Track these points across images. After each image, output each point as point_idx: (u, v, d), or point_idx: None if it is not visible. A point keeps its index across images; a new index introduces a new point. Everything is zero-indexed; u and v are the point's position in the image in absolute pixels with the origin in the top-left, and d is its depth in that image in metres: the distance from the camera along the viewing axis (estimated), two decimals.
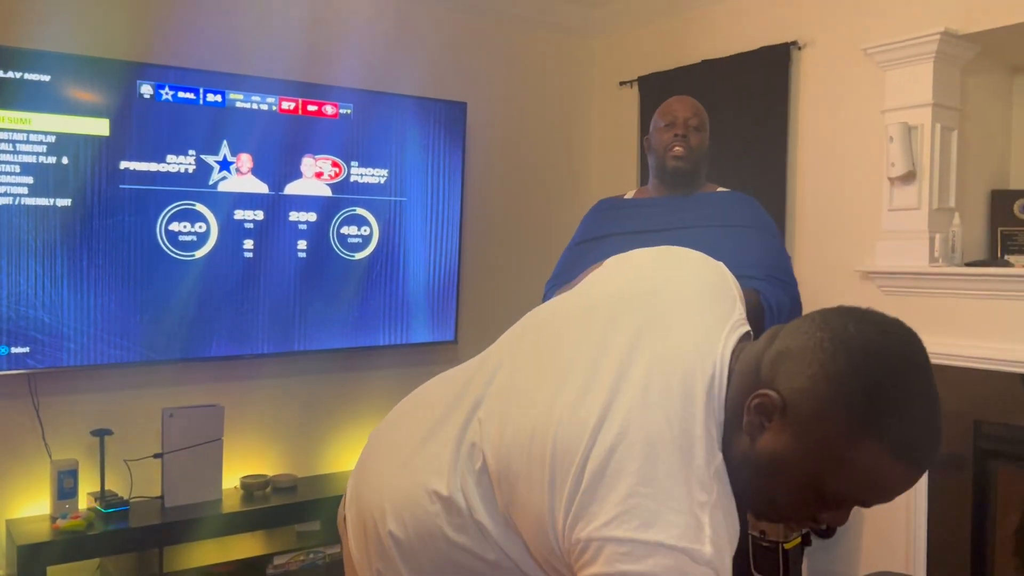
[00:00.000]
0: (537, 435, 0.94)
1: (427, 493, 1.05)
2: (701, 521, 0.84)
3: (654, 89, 3.86)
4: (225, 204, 3.11)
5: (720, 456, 0.91)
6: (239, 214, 3.15)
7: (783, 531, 3.06)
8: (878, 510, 3.04)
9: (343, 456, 3.56)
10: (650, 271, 1.14)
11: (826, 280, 3.23)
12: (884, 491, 0.88)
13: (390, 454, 1.18)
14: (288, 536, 3.23)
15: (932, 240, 2.82)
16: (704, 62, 3.60)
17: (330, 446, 3.54)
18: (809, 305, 3.43)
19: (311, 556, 3.10)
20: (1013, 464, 2.72)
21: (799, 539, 3.13)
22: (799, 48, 3.31)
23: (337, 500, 3.19)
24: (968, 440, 2.78)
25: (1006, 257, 2.92)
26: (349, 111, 3.33)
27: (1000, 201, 3.00)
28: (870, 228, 3.04)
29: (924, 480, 2.87)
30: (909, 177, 2.84)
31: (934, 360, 2.61)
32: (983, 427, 2.76)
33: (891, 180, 2.90)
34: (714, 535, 0.85)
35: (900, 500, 2.93)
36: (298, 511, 3.14)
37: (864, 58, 3.00)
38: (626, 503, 0.84)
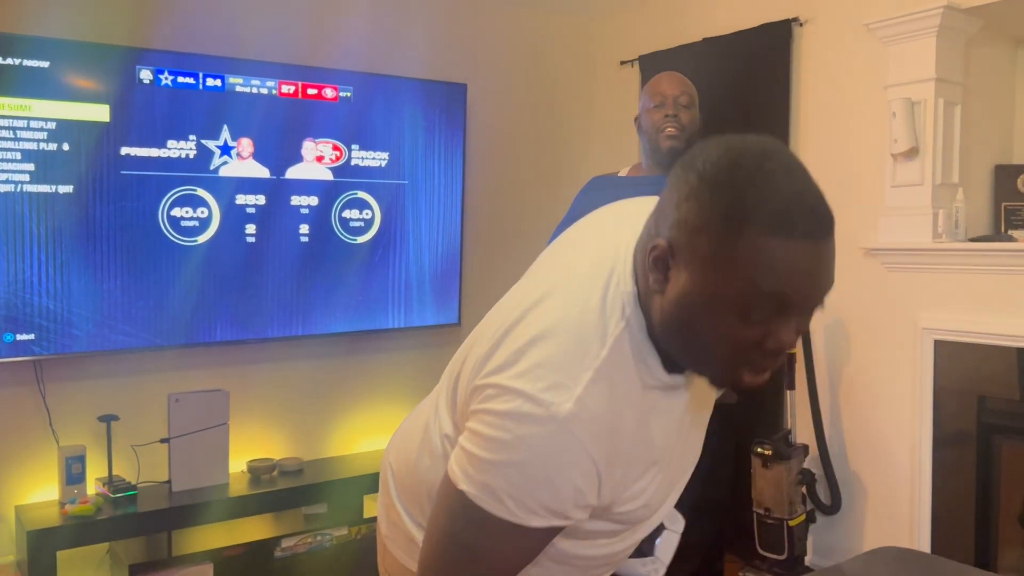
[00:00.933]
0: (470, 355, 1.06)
1: (423, 426, 1.17)
2: (575, 384, 0.90)
3: (655, 68, 3.83)
4: (226, 189, 3.11)
5: (620, 326, 0.94)
6: (241, 199, 3.14)
7: (787, 508, 3.07)
8: (881, 485, 3.05)
9: (349, 439, 3.57)
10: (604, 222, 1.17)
11: None
12: (787, 274, 0.83)
13: (414, 418, 1.29)
14: (295, 519, 3.25)
15: (935, 216, 2.81)
16: (705, 40, 3.58)
17: (335, 429, 3.55)
18: None
19: (319, 538, 3.12)
20: (1017, 439, 2.73)
21: (803, 516, 3.15)
22: (800, 24, 3.28)
23: (344, 483, 3.23)
24: (972, 415, 2.78)
25: (1010, 232, 2.91)
26: (349, 94, 3.32)
27: (1004, 176, 2.99)
28: (873, 204, 3.03)
29: (928, 455, 2.88)
30: (912, 153, 2.83)
31: (939, 336, 2.61)
32: (987, 402, 2.76)
33: (894, 156, 2.88)
34: (585, 397, 0.89)
35: (904, 475, 2.94)
36: (305, 494, 3.16)
37: (866, 33, 2.98)
38: (512, 357, 0.94)
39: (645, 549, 1.28)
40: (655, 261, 0.91)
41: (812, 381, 3.24)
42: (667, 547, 1.30)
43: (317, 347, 3.47)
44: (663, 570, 1.29)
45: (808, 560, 3.24)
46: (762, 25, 3.36)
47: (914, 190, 2.86)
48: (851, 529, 3.18)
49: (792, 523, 3.09)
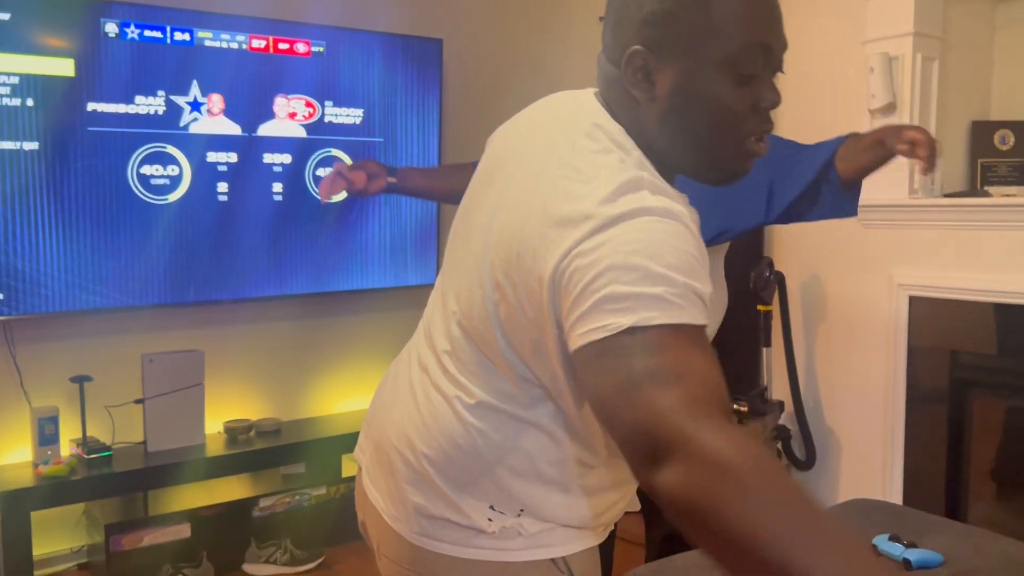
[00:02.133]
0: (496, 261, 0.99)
1: (443, 398, 1.07)
2: (655, 197, 0.88)
3: None
4: (197, 146, 3.05)
5: (637, 153, 0.95)
6: (212, 156, 3.09)
7: None
8: (855, 440, 3.09)
9: (325, 400, 3.56)
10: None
11: None
12: (763, 19, 0.93)
13: (395, 388, 1.18)
14: (273, 479, 3.25)
15: (911, 172, 2.81)
16: None
17: (312, 390, 3.54)
18: (797, 237, 3.41)
19: (297, 498, 3.12)
20: (989, 393, 2.76)
21: None
22: None
23: (321, 443, 3.22)
24: (945, 370, 2.81)
25: (986, 188, 2.92)
26: (322, 49, 3.26)
27: (980, 132, 2.99)
28: None
29: (901, 409, 2.91)
30: (889, 109, 2.82)
31: (914, 292, 2.62)
32: (960, 357, 2.78)
33: (871, 112, 2.87)
34: (663, 196, 0.89)
35: (878, 430, 2.98)
36: (282, 454, 3.16)
37: None
38: (585, 211, 0.88)
39: None
40: (636, 69, 0.94)
41: (788, 338, 3.25)
42: None
43: (293, 307, 3.44)
44: None
45: None
46: None
47: None
48: (826, 483, 3.23)
49: None
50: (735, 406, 3.15)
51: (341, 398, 3.59)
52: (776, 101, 0.96)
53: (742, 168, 0.99)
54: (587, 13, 4.09)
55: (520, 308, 0.96)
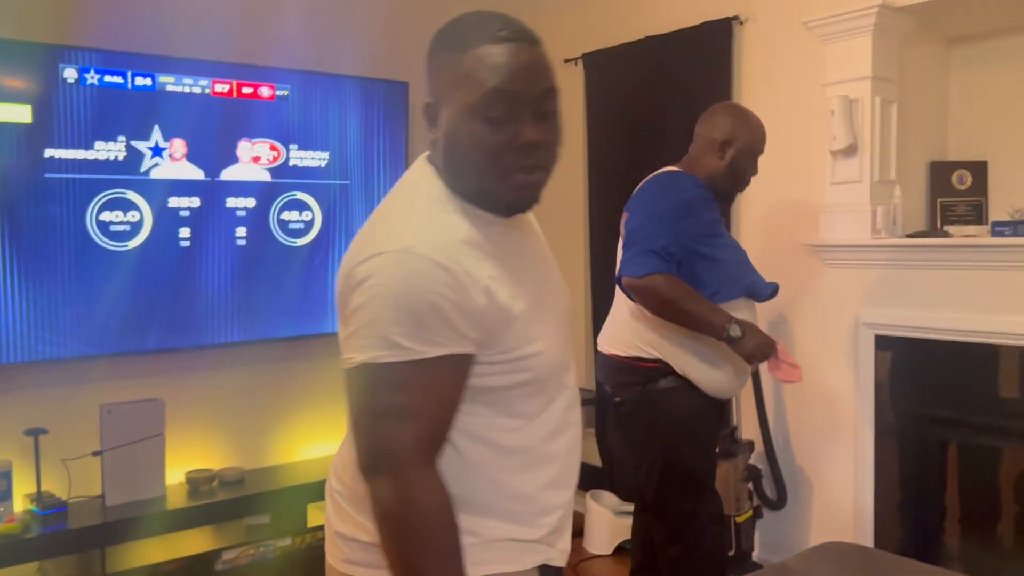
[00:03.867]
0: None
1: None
2: (408, 228, 1.07)
3: (598, 66, 3.83)
4: (159, 192, 3.01)
5: (432, 183, 1.14)
6: (174, 201, 3.04)
7: (735, 505, 3.09)
8: (826, 479, 3.08)
9: (291, 447, 3.49)
10: None
11: (772, 254, 3.25)
12: (503, 69, 1.06)
13: None
14: (237, 530, 3.17)
15: (874, 212, 2.84)
16: (648, 38, 3.57)
17: (278, 437, 3.47)
18: (764, 277, 3.44)
19: (261, 549, 3.04)
20: (957, 432, 2.78)
21: (751, 512, 3.17)
22: (741, 23, 3.30)
23: (286, 491, 3.15)
24: (912, 408, 2.83)
25: (945, 227, 2.97)
26: (286, 92, 3.24)
27: (939, 172, 3.04)
28: (814, 202, 3.06)
29: (870, 448, 2.91)
30: (851, 150, 2.86)
31: (879, 331, 2.63)
32: (927, 395, 2.80)
33: (833, 154, 2.91)
34: (420, 230, 1.07)
35: (848, 468, 2.98)
36: (246, 504, 3.08)
37: (804, 32, 3.00)
38: (354, 257, 1.09)
39: None
40: (429, 117, 1.14)
41: (756, 377, 3.26)
42: None
43: (257, 353, 3.37)
44: None
45: (756, 556, 3.26)
46: (703, 23, 3.37)
47: (853, 187, 2.89)
48: (797, 523, 3.21)
49: (739, 519, 3.11)
50: None
51: (306, 444, 3.52)
52: (533, 140, 1.08)
53: (520, 198, 1.12)
54: (552, 57, 4.12)
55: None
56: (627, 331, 2.35)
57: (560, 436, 1.19)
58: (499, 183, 1.09)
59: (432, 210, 1.10)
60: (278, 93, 3.22)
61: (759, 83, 3.27)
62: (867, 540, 2.93)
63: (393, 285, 1.02)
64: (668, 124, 3.46)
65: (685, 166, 2.44)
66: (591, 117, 3.92)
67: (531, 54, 1.08)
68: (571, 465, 1.22)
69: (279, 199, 3.26)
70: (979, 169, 2.99)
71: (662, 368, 2.30)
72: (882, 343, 2.87)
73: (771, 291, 2.41)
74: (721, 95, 3.32)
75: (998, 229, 2.62)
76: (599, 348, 2.49)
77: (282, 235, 3.28)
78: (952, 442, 2.81)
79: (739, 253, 2.43)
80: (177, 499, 2.98)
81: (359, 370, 1.03)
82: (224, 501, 3.01)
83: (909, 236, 2.85)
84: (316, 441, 3.53)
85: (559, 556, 1.22)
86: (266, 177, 3.22)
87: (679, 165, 2.46)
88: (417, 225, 1.07)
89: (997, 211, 2.93)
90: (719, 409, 2.39)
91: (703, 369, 2.29)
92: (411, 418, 1.02)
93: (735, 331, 2.20)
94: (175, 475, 3.09)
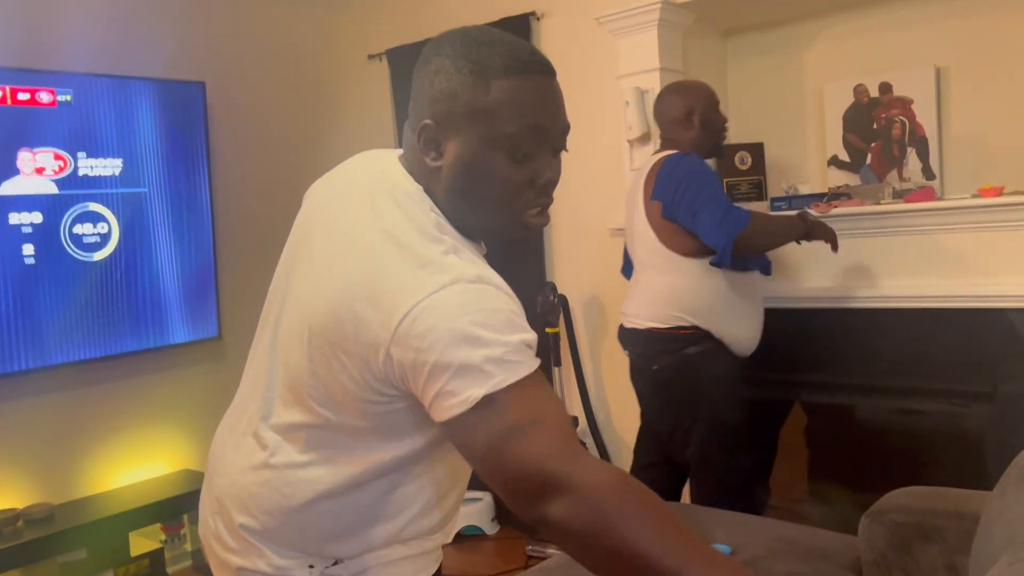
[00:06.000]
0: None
1: (252, 468, 1.12)
2: (446, 261, 0.97)
3: (403, 61, 3.84)
4: None
5: (432, 216, 1.03)
6: None
7: None
8: None
9: (106, 475, 3.27)
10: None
11: (581, 238, 3.42)
12: (535, 104, 1.01)
13: (221, 451, 1.20)
14: (50, 570, 2.93)
15: None
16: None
17: (89, 466, 3.23)
18: (576, 262, 3.58)
19: None
20: (759, 390, 3.04)
21: None
22: (538, 18, 3.43)
23: (103, 523, 2.95)
24: None
25: None
26: (68, 98, 3.01)
27: (723, 154, 3.31)
28: (616, 188, 3.24)
29: None
30: (645, 138, 3.06)
31: None
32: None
33: (630, 142, 3.10)
34: (457, 262, 0.98)
35: None
36: (58, 541, 2.85)
37: (597, 27, 3.16)
38: (400, 286, 0.97)
39: None
40: (426, 140, 1.03)
41: (576, 357, 3.42)
42: None
43: (57, 378, 3.12)
44: None
45: None
46: (502, 19, 3.47)
47: None
48: None
49: None
50: None
51: (122, 471, 3.31)
52: (552, 179, 1.04)
53: (518, 235, 1.08)
54: (355, 53, 4.09)
55: (343, 369, 1.01)
56: (663, 305, 2.49)
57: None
58: (510, 219, 1.04)
59: (455, 243, 1.02)
60: (59, 98, 2.98)
61: (559, 76, 3.40)
62: (685, 498, 3.16)
63: (483, 310, 0.94)
64: None
65: (671, 148, 2.57)
66: (399, 113, 3.93)
67: (554, 87, 1.04)
68: (466, 474, 1.22)
69: (70, 212, 3.03)
70: (757, 150, 3.29)
71: (696, 334, 2.46)
72: None
73: (766, 265, 2.61)
74: None
75: (776, 204, 2.91)
76: (627, 325, 2.59)
77: (76, 250, 3.05)
78: (753, 400, 3.08)
79: None
80: None
81: (479, 405, 0.91)
82: (32, 541, 2.78)
83: None
84: (133, 467, 3.33)
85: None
86: (53, 189, 2.99)
87: (663, 150, 2.59)
88: (453, 256, 0.98)
89: (774, 187, 3.24)
90: (743, 369, 2.57)
91: (735, 328, 2.49)
92: (551, 416, 0.93)
93: (811, 216, 2.49)
94: None
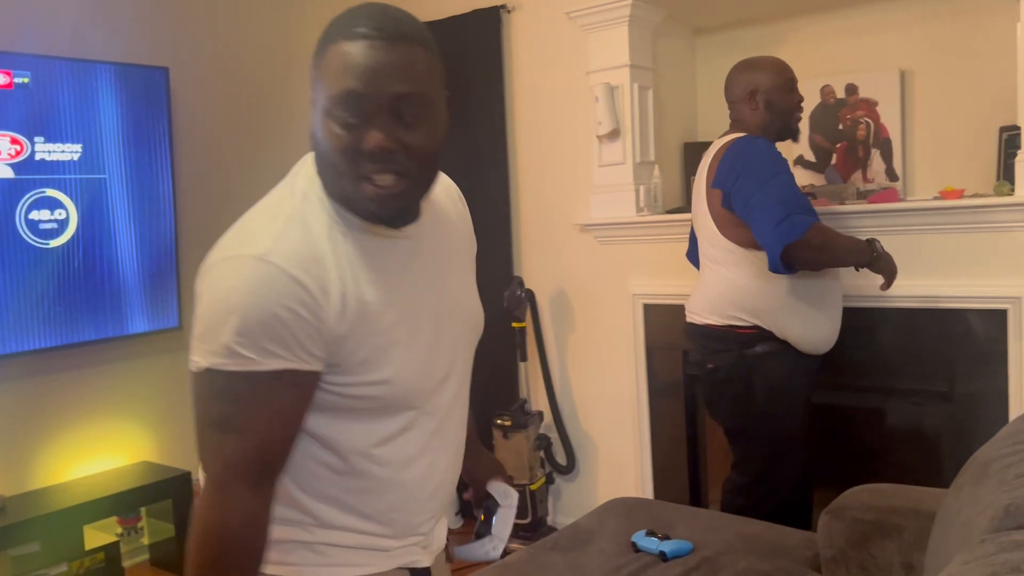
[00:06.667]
0: None
1: None
2: (268, 232, 1.01)
3: None
4: None
5: (307, 183, 1.07)
6: None
7: (528, 474, 3.23)
8: (610, 441, 3.30)
9: (60, 467, 3.20)
10: None
11: (549, 233, 3.41)
12: (351, 69, 0.98)
13: None
14: (2, 563, 2.86)
15: (637, 192, 3.07)
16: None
17: (44, 458, 3.16)
18: (544, 256, 3.59)
19: None
20: None
21: (543, 479, 3.33)
22: (508, 11, 3.41)
23: (58, 515, 2.89)
24: (679, 368, 3.09)
25: None
26: (26, 80, 2.93)
27: (691, 152, 3.33)
28: (585, 183, 3.25)
29: (646, 408, 3.16)
30: (615, 134, 3.06)
31: (647, 300, 2.85)
32: (690, 355, 3.07)
33: (599, 138, 3.10)
34: (279, 235, 1.01)
35: (628, 429, 3.21)
36: (10, 534, 2.79)
37: (568, 21, 3.16)
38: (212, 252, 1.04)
39: (481, 531, 1.34)
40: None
41: (542, 351, 3.42)
42: (503, 524, 1.35)
43: (11, 368, 3.04)
44: (502, 547, 1.34)
45: (550, 520, 3.44)
46: (473, 11, 3.45)
47: (618, 169, 3.10)
48: (587, 486, 3.43)
49: (533, 487, 3.26)
50: (499, 421, 3.26)
51: (77, 463, 3.24)
52: (374, 144, 0.98)
53: (376, 207, 1.03)
54: (315, 38, 4.03)
55: None
56: (721, 302, 2.34)
57: (413, 464, 1.13)
58: (354, 189, 1.01)
59: (304, 212, 1.04)
60: (16, 80, 2.90)
61: (529, 70, 3.40)
62: (648, 493, 3.18)
63: (241, 292, 0.97)
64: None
65: (737, 131, 2.41)
66: None
67: (390, 53, 0.98)
68: (424, 492, 1.16)
69: (26, 197, 2.96)
70: None
71: (758, 334, 2.29)
72: (650, 311, 3.12)
73: None
74: (494, 81, 3.43)
75: None
76: (688, 319, 2.48)
77: (32, 236, 2.98)
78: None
79: (815, 213, 2.35)
80: None
81: (198, 376, 1.00)
82: None
83: (669, 212, 3.10)
84: (89, 458, 3.26)
85: (424, 558, 1.20)
86: (8, 173, 2.91)
87: (730, 133, 2.43)
88: (280, 229, 1.01)
89: None
90: (812, 371, 2.37)
91: (802, 327, 2.28)
92: (237, 432, 0.98)
93: (879, 247, 2.26)
94: None
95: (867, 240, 2.28)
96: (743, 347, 2.31)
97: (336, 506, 1.10)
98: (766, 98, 2.37)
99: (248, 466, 0.99)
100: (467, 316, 1.21)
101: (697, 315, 2.43)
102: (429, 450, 1.14)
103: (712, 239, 2.36)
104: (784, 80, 2.39)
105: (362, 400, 1.06)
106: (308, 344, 0.99)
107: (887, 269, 2.27)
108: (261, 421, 0.99)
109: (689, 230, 2.65)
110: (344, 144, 0.99)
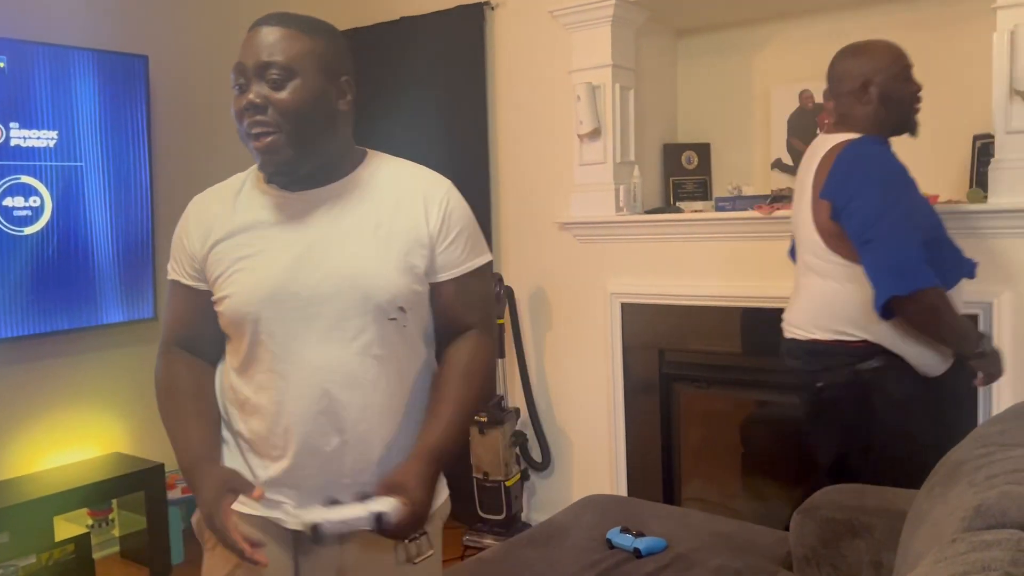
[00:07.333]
0: None
1: None
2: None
3: (356, 44, 3.77)
4: None
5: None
6: None
7: (504, 470, 3.25)
8: (585, 438, 3.32)
9: (30, 457, 3.16)
10: None
11: (528, 231, 3.42)
12: (242, 48, 1.29)
13: None
14: None
15: (617, 191, 3.09)
16: (403, 19, 3.59)
17: (14, 448, 3.12)
18: (523, 254, 3.59)
19: (2, 572, 2.74)
20: (691, 385, 3.10)
21: (518, 475, 3.34)
22: (492, 8, 3.41)
23: (26, 506, 2.86)
24: (655, 367, 3.12)
25: (677, 204, 3.29)
26: (2, 64, 2.89)
27: (671, 153, 3.36)
28: (565, 182, 3.26)
29: (621, 406, 3.18)
30: (595, 134, 3.08)
31: (625, 300, 2.86)
32: (666, 355, 3.10)
33: (580, 137, 3.11)
34: (209, 189, 1.45)
35: (603, 427, 3.23)
36: None
37: (551, 20, 3.17)
38: None
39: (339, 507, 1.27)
40: None
41: (520, 348, 3.43)
42: (347, 515, 1.24)
43: None
44: (320, 524, 1.23)
45: (525, 516, 3.45)
46: (457, 7, 3.44)
47: (598, 168, 3.12)
48: (562, 482, 3.44)
49: (508, 483, 3.27)
50: (475, 417, 3.27)
51: (48, 453, 3.20)
52: (245, 102, 1.26)
53: (263, 162, 1.30)
54: None
55: None
56: (827, 315, 2.07)
57: (262, 393, 1.32)
58: (249, 147, 1.29)
59: (242, 175, 1.41)
60: None
61: (512, 68, 3.41)
62: (623, 491, 3.20)
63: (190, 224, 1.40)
64: (427, 107, 3.52)
65: (846, 128, 2.11)
66: None
67: (269, 34, 1.26)
68: (277, 428, 1.31)
69: (0, 184, 2.92)
70: (704, 150, 3.34)
71: (869, 348, 2.02)
72: (627, 310, 3.14)
73: (971, 267, 2.13)
74: (477, 78, 3.43)
75: (720, 204, 2.95)
76: (788, 334, 2.20)
77: (6, 224, 2.94)
78: (689, 395, 3.14)
79: (941, 222, 2.11)
80: None
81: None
82: None
83: (648, 212, 3.13)
84: (60, 449, 3.22)
85: (291, 520, 1.29)
86: None
87: (838, 130, 2.12)
88: (217, 184, 1.43)
89: (719, 188, 3.29)
90: (935, 396, 2.10)
91: (919, 347, 2.01)
92: (168, 319, 1.43)
93: (987, 346, 2.02)
94: None
95: (983, 334, 2.05)
96: (856, 361, 2.04)
97: (235, 410, 1.38)
98: (881, 90, 2.07)
99: (173, 341, 1.42)
100: (354, 280, 1.29)
101: (799, 329, 2.15)
102: (276, 390, 1.30)
103: (815, 250, 2.09)
104: (901, 68, 2.10)
105: (222, 316, 1.34)
106: (184, 264, 1.38)
107: (990, 368, 2.05)
108: (169, 315, 1.43)
109: (790, 232, 2.38)
110: (237, 107, 1.27)
